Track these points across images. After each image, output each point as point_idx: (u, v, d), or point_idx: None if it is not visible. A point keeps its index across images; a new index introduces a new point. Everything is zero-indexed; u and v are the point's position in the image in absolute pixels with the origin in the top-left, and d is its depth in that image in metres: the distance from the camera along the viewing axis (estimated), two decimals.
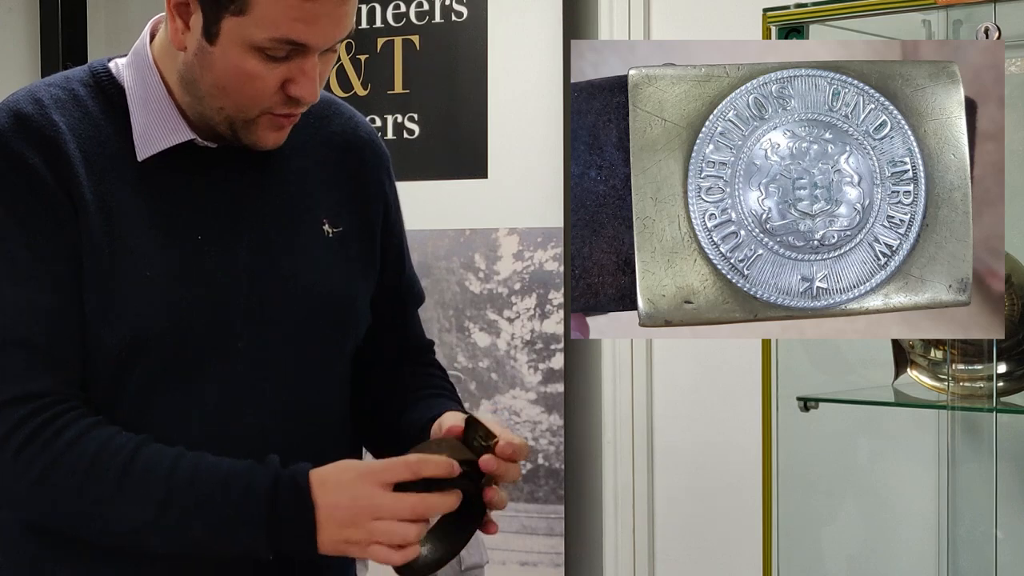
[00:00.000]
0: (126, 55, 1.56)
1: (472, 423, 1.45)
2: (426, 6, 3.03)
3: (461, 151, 3.00)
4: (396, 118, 3.06)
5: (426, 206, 2.98)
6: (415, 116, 3.05)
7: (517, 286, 2.95)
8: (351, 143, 1.65)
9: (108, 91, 1.52)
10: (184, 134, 1.51)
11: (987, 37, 2.14)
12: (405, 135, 3.05)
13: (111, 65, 1.55)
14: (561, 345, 2.91)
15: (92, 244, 1.45)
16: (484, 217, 2.98)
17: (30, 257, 1.43)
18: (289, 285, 1.54)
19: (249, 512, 1.40)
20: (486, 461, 1.42)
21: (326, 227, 1.59)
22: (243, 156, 1.53)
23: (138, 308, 1.45)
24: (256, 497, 1.41)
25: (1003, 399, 2.25)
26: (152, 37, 1.55)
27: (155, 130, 1.50)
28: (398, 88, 3.07)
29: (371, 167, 1.67)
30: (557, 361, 2.92)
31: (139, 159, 1.49)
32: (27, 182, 1.44)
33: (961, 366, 2.26)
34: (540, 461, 2.93)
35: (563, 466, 2.92)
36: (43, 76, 3.50)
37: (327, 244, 1.58)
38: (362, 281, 1.63)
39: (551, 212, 2.91)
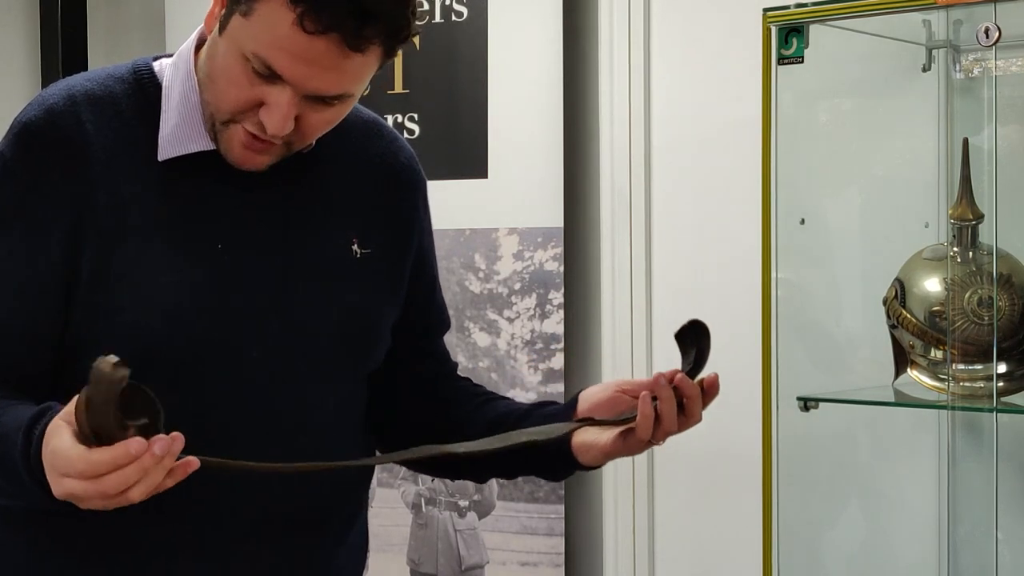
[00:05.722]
0: (173, 55, 1.54)
1: None
2: (426, 6, 3.03)
3: (461, 151, 3.00)
4: (396, 118, 3.06)
5: None
6: (415, 116, 3.05)
7: (517, 286, 2.95)
8: (390, 166, 1.63)
9: (147, 90, 1.51)
10: (210, 142, 1.48)
11: (987, 37, 2.14)
12: (405, 135, 3.05)
13: (155, 64, 1.53)
14: (561, 345, 2.91)
15: (99, 246, 1.43)
16: (484, 217, 2.98)
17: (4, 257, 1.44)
18: (309, 302, 1.51)
19: (15, 462, 1.34)
20: None
21: (355, 247, 1.56)
22: (274, 169, 1.49)
23: (148, 315, 1.43)
24: (15, 448, 1.33)
25: (1003, 399, 2.25)
26: (200, 45, 1.52)
27: (182, 134, 1.48)
28: (398, 88, 3.07)
29: (407, 193, 1.65)
30: (557, 361, 2.92)
31: (159, 159, 1.47)
32: (33, 179, 1.44)
33: (961, 366, 2.26)
34: None
35: None
36: (43, 76, 3.51)
37: (354, 264, 1.55)
38: (387, 304, 1.60)
39: (551, 212, 2.90)
